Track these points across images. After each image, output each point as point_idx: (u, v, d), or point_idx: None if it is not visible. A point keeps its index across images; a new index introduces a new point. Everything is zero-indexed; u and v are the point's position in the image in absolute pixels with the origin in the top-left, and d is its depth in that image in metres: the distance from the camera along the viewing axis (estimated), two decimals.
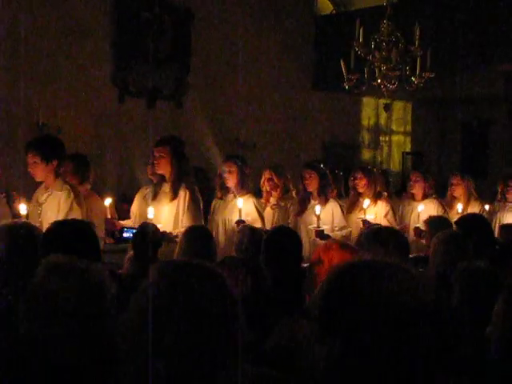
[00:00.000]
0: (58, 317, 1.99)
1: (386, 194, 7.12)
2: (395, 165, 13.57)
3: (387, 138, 13.62)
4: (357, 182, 6.85)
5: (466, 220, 4.95)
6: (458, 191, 7.25)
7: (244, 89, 10.84)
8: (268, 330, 2.84)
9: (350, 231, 6.43)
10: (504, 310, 2.26)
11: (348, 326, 1.30)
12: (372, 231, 3.98)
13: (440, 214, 6.83)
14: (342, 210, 6.51)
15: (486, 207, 7.40)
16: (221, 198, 6.31)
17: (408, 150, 14.00)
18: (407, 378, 1.30)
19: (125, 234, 4.72)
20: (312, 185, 6.48)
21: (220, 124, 10.54)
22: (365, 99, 12.71)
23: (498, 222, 7.01)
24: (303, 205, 6.54)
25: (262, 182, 6.84)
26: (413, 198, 7.13)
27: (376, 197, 6.79)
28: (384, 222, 6.40)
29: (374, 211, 6.69)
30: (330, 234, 6.10)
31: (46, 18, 9.04)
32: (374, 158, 13.37)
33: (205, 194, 6.22)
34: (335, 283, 1.38)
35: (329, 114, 12.07)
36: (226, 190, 6.26)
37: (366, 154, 13.26)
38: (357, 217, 6.57)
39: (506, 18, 9.34)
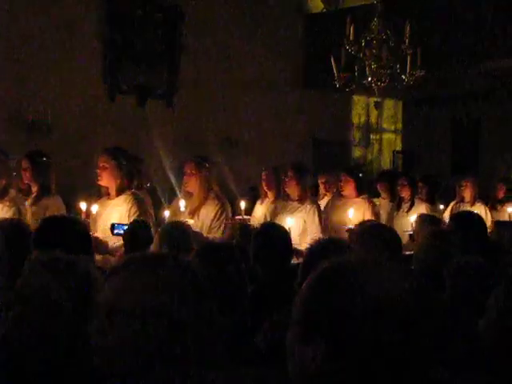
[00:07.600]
0: (49, 313, 1.95)
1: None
2: (386, 163, 13.59)
3: (378, 137, 13.64)
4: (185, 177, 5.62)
5: (460, 216, 4.96)
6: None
7: (234, 87, 10.84)
8: (258, 326, 2.84)
9: None
10: (501, 302, 2.25)
11: (332, 327, 1.28)
12: (364, 228, 4.00)
13: None
14: None
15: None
16: None
17: (398, 148, 14.02)
18: (396, 378, 1.27)
19: (116, 231, 4.69)
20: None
21: (210, 123, 10.53)
22: (355, 97, 12.72)
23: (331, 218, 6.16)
24: None
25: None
26: None
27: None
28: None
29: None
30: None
31: (36, 15, 9.00)
32: (365, 156, 13.39)
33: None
34: (317, 284, 1.35)
35: (319, 112, 12.07)
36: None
37: (357, 152, 13.27)
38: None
39: (496, 16, 9.37)
